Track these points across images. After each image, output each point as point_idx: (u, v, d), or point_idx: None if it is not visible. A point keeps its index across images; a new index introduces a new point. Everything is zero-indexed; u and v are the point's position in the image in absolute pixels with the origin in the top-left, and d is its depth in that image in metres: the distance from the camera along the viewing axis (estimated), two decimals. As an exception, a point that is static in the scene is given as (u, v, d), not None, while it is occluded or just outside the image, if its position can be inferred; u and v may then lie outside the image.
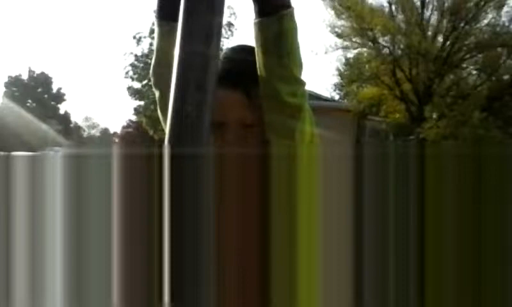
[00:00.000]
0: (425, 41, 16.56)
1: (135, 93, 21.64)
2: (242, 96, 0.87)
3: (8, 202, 0.58)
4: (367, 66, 18.24)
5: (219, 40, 0.56)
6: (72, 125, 43.33)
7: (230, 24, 20.32)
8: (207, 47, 0.54)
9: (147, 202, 0.52)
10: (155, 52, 0.92)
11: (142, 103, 21.62)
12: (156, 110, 0.96)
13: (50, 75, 41.62)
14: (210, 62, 0.54)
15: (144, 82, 20.08)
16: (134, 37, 21.34)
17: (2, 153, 0.62)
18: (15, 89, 38.79)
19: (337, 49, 18.21)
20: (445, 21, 17.02)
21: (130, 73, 21.31)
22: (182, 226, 0.50)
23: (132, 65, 21.26)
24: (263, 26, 0.78)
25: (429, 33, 17.39)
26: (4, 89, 38.48)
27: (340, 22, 17.36)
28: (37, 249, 0.57)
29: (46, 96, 40.63)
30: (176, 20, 0.58)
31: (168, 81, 0.58)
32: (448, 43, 16.94)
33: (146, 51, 20.58)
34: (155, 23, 0.90)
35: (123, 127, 30.86)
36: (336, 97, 24.85)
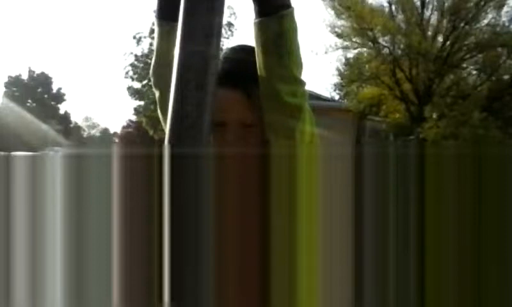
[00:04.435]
0: (425, 41, 16.57)
1: (135, 93, 21.66)
2: (242, 96, 0.87)
3: (8, 202, 0.58)
4: (367, 66, 18.25)
5: (219, 40, 0.56)
6: (72, 125, 43.29)
7: (230, 24, 20.34)
8: (207, 47, 0.54)
9: (147, 202, 0.52)
10: (155, 52, 0.92)
11: (142, 103, 21.64)
12: (156, 110, 0.96)
13: (50, 75, 41.59)
14: (210, 62, 0.55)
15: (144, 82, 20.10)
16: (134, 37, 21.39)
17: (2, 153, 0.62)
18: (15, 89, 38.76)
19: (337, 49, 18.24)
20: (445, 21, 17.02)
21: (130, 73, 21.34)
22: (182, 226, 0.50)
23: (132, 65, 21.29)
24: (263, 26, 0.78)
25: (429, 33, 17.40)
26: (4, 89, 38.51)
27: (340, 22, 17.39)
28: (37, 249, 0.57)
29: (46, 96, 40.60)
30: (176, 20, 0.58)
31: (168, 81, 0.58)
32: (448, 43, 16.95)
33: (146, 51, 20.60)
34: (155, 23, 0.90)
35: (123, 127, 30.89)
36: (336, 97, 24.85)
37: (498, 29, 17.05)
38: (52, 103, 40.93)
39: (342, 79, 22.74)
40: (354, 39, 17.57)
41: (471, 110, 16.00)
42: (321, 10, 43.60)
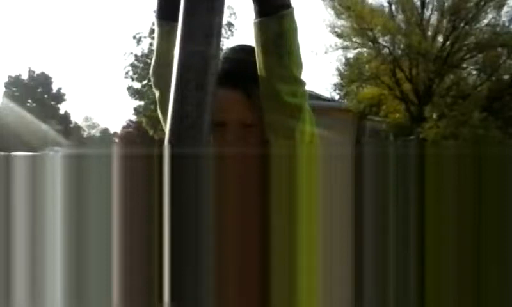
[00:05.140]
0: (425, 41, 16.57)
1: (135, 93, 21.66)
2: (242, 96, 0.87)
3: (8, 202, 0.58)
4: (367, 66, 18.24)
5: (219, 40, 0.56)
6: (72, 125, 43.27)
7: (230, 24, 20.34)
8: (207, 47, 0.54)
9: (147, 202, 0.52)
10: (155, 52, 0.92)
11: (142, 103, 21.65)
12: (156, 110, 0.96)
13: (50, 75, 41.56)
14: (210, 62, 0.55)
15: (144, 82, 20.11)
16: (134, 37, 21.39)
17: (2, 153, 0.62)
18: (15, 89, 38.74)
19: (337, 49, 18.23)
20: (445, 21, 17.02)
21: (130, 73, 21.35)
22: (182, 226, 0.50)
23: (132, 65, 21.29)
24: (263, 26, 0.78)
25: (429, 33, 17.39)
26: (4, 89, 38.49)
27: (340, 22, 17.38)
28: (37, 249, 0.57)
29: (46, 96, 40.59)
30: (176, 20, 0.58)
31: (168, 81, 0.58)
32: (448, 43, 16.94)
33: (146, 51, 20.60)
34: (155, 23, 0.90)
35: (123, 127, 30.89)
36: (336, 97, 24.84)
37: (498, 29, 17.03)
38: (52, 103, 40.90)
39: (342, 79, 22.73)
40: (354, 39, 17.57)
41: (471, 110, 15.99)
42: (321, 10, 43.63)
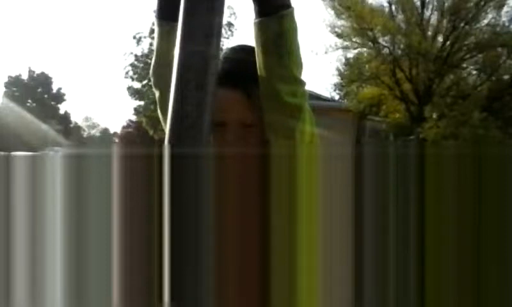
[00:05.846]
0: (425, 41, 16.57)
1: (135, 93, 21.67)
2: (242, 96, 0.87)
3: (8, 202, 0.58)
4: (367, 66, 18.24)
5: (219, 40, 0.56)
6: (72, 125, 43.26)
7: (230, 24, 20.35)
8: (207, 47, 0.55)
9: (147, 202, 0.52)
10: (155, 52, 0.92)
11: (142, 103, 21.66)
12: (156, 110, 0.96)
13: (50, 75, 41.56)
14: (210, 62, 0.55)
15: (144, 82, 20.12)
16: (134, 37, 21.40)
17: (2, 153, 0.62)
18: (15, 89, 38.74)
19: (337, 49, 18.23)
20: (445, 21, 17.02)
21: (130, 73, 21.36)
22: (182, 226, 0.50)
23: (132, 65, 21.30)
24: (263, 26, 0.78)
25: (429, 33, 17.39)
26: (4, 89, 38.49)
27: (340, 22, 17.38)
28: (37, 249, 0.57)
29: (46, 96, 40.59)
30: (176, 20, 0.58)
31: (168, 81, 0.58)
32: (448, 43, 16.94)
33: (146, 51, 20.62)
34: (155, 23, 0.90)
35: (123, 127, 30.90)
36: (336, 97, 24.84)
37: (498, 29, 17.03)
38: (52, 103, 40.89)
39: (342, 79, 22.72)
40: (354, 39, 17.56)
41: (471, 110, 15.99)
42: (321, 10, 43.63)
